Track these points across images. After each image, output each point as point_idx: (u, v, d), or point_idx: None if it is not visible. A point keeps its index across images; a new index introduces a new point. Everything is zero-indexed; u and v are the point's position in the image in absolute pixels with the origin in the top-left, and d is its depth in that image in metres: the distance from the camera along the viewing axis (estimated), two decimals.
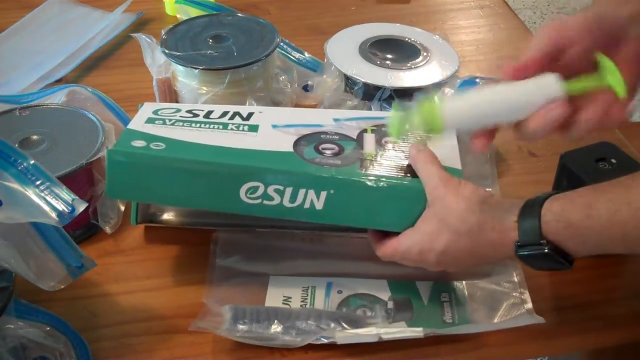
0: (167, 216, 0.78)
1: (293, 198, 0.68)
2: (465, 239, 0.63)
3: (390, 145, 0.73)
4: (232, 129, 0.73)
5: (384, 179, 0.68)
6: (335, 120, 0.77)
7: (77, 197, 0.58)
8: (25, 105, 0.84)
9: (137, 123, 0.74)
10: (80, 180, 0.75)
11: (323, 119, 0.77)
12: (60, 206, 0.57)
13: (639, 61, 0.64)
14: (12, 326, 0.61)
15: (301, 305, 0.70)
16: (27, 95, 0.92)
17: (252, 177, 0.67)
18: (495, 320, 0.69)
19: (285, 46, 1.02)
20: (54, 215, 0.56)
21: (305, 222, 0.71)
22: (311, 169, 0.68)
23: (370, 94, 0.93)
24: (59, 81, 1.02)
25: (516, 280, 0.72)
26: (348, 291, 0.72)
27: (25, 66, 1.05)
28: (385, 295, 0.71)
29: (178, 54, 0.92)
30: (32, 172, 0.58)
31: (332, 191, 0.67)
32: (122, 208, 0.80)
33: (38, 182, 0.57)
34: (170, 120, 0.74)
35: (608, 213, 0.57)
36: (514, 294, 0.71)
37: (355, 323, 0.68)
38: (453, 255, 0.65)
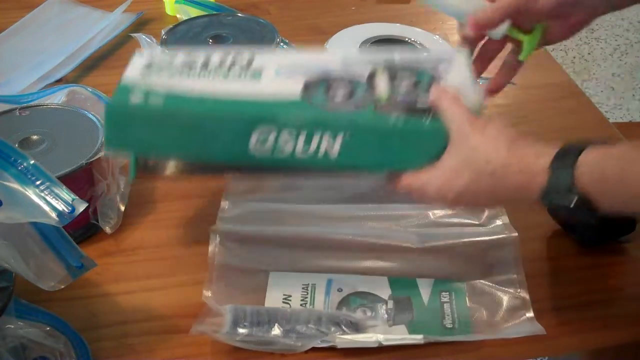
0: (168, 166, 0.72)
1: (307, 145, 0.64)
2: (488, 179, 0.61)
3: (403, 86, 0.68)
4: (233, 77, 0.68)
5: (402, 120, 0.64)
6: (343, 61, 0.71)
7: (77, 197, 0.58)
8: (25, 105, 0.84)
9: (133, 74, 0.69)
10: (80, 180, 0.75)
11: (330, 61, 0.71)
12: (60, 206, 0.57)
13: (571, 31, 0.71)
14: (12, 326, 0.61)
15: (301, 305, 0.70)
16: (27, 95, 0.92)
17: (263, 122, 0.63)
18: (496, 327, 0.68)
19: (285, 46, 1.02)
20: (54, 215, 0.56)
21: (317, 169, 0.67)
22: (324, 112, 0.65)
23: None
24: (59, 81, 1.02)
25: (516, 279, 0.72)
26: (348, 289, 0.72)
27: (25, 66, 1.05)
28: (385, 293, 0.71)
29: None
30: (32, 172, 0.58)
31: (348, 135, 0.64)
32: (122, 208, 0.80)
33: (38, 182, 0.57)
34: (167, 70, 0.69)
35: None
36: (514, 295, 0.71)
37: (356, 326, 0.67)
38: (472, 195, 0.63)
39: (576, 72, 2.55)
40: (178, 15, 1.11)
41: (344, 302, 0.70)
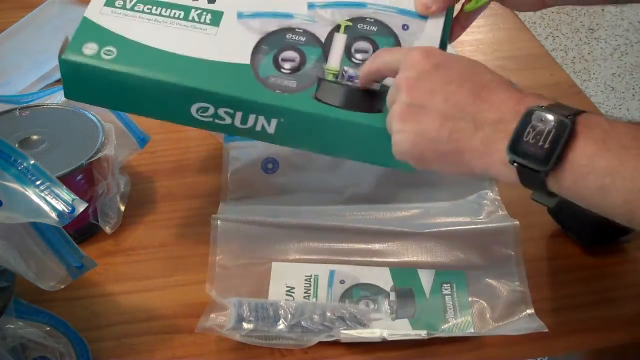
0: None
1: (244, 121, 0.66)
2: (460, 65, 0.58)
3: (359, 56, 0.67)
4: (192, 20, 0.68)
5: (335, 114, 0.64)
6: (310, 6, 0.69)
7: (77, 197, 0.58)
8: (25, 105, 0.84)
9: (95, 8, 0.71)
10: (80, 180, 0.75)
11: (295, 4, 0.69)
12: (60, 206, 0.57)
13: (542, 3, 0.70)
14: (12, 326, 0.61)
15: (304, 297, 0.70)
16: (27, 95, 0.92)
17: (200, 98, 0.66)
18: (496, 323, 0.68)
19: None
20: (54, 215, 0.56)
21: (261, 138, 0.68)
22: (261, 95, 0.65)
23: None
24: (59, 81, 1.02)
25: (516, 272, 0.71)
26: (351, 281, 0.71)
27: (25, 66, 1.05)
28: (387, 284, 0.71)
29: None
30: (32, 172, 0.58)
31: (282, 119, 0.65)
32: (122, 208, 0.80)
33: (38, 182, 0.57)
34: (129, 4, 0.70)
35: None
36: (514, 289, 0.70)
37: (359, 320, 0.67)
38: (457, 71, 0.57)
39: (576, 72, 2.55)
40: None
41: (346, 294, 0.70)
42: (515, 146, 0.53)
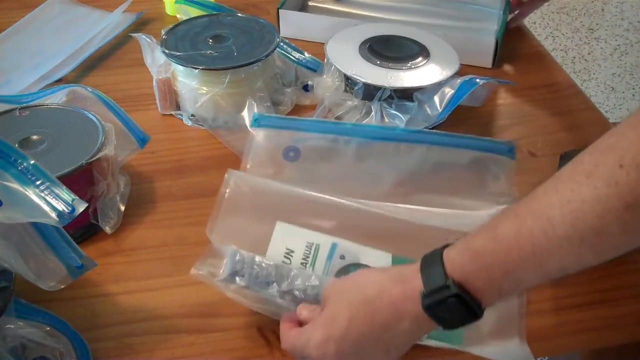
0: None
1: None
2: (363, 307, 0.58)
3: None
4: None
5: None
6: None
7: (77, 197, 0.58)
8: (25, 105, 0.84)
9: None
10: (80, 180, 0.75)
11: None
12: (60, 206, 0.57)
13: None
14: (12, 326, 0.61)
15: (302, 264, 0.68)
16: (27, 95, 0.92)
17: None
18: (484, 341, 0.65)
19: (285, 46, 1.02)
20: (54, 215, 0.56)
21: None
22: None
23: (371, 94, 0.93)
24: (59, 81, 1.02)
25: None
26: (351, 258, 0.70)
27: (25, 66, 1.05)
28: None
29: (178, 54, 0.92)
30: (32, 172, 0.58)
31: None
32: (122, 208, 0.80)
33: (38, 182, 0.57)
34: None
35: (514, 228, 0.53)
36: (508, 305, 0.67)
37: None
38: (354, 341, 0.58)
39: (576, 72, 2.55)
40: (178, 15, 1.11)
41: (343, 271, 0.69)
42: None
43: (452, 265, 0.55)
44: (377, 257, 0.71)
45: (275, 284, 0.65)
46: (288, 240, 0.70)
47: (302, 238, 0.71)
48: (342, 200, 0.74)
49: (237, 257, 0.66)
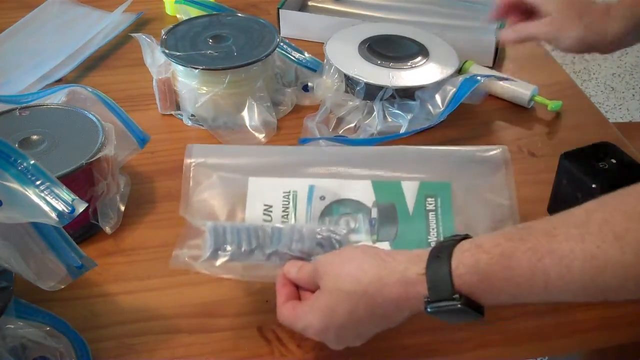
0: None
1: None
2: (364, 300, 0.58)
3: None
4: None
5: None
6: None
7: (77, 197, 0.57)
8: (25, 105, 0.84)
9: None
10: (80, 180, 0.75)
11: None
12: (60, 206, 0.57)
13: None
14: (12, 326, 0.61)
15: (283, 217, 0.67)
16: (27, 95, 0.92)
17: None
18: None
19: (285, 46, 1.02)
20: (54, 215, 0.56)
21: None
22: None
23: (372, 94, 0.93)
24: (59, 81, 1.02)
25: (505, 187, 0.68)
26: (331, 197, 0.68)
27: (25, 66, 1.05)
28: (369, 200, 0.68)
29: (178, 54, 0.93)
30: (32, 172, 0.58)
31: None
32: (122, 208, 0.80)
33: (38, 182, 0.57)
34: None
35: (529, 263, 0.53)
36: (502, 204, 0.67)
37: (340, 244, 0.65)
38: (354, 327, 0.60)
39: (576, 72, 2.55)
40: (178, 15, 1.11)
41: (326, 212, 0.67)
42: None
43: (461, 282, 0.55)
44: (357, 189, 0.69)
45: (258, 249, 0.64)
46: (264, 195, 0.68)
47: (278, 188, 0.69)
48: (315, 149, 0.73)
49: (219, 230, 0.64)
